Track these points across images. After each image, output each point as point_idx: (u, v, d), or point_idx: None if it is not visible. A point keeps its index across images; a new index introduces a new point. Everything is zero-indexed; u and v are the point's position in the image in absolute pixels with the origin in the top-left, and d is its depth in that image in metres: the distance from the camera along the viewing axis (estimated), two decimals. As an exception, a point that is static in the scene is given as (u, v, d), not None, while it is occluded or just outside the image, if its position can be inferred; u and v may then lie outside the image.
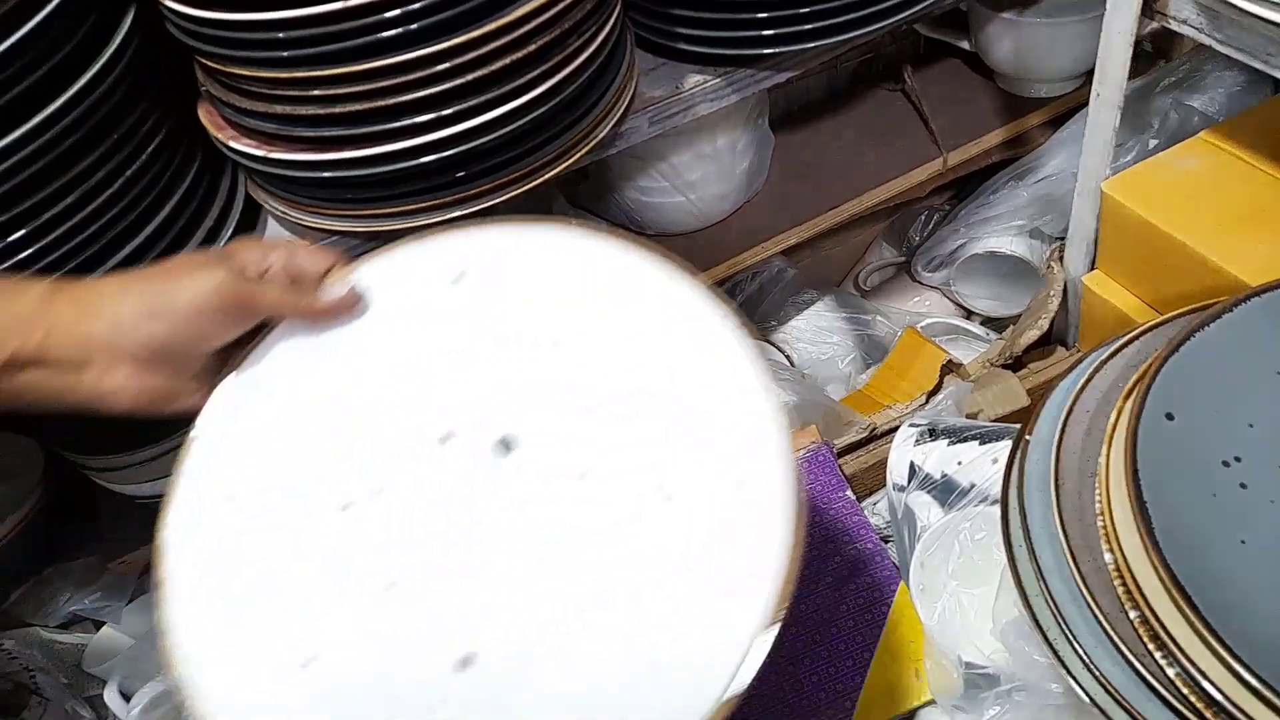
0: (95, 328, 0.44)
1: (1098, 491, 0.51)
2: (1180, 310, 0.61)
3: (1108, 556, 0.48)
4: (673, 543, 0.43)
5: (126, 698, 0.78)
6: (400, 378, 0.49)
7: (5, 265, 0.60)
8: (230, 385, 0.48)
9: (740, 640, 0.39)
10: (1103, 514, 0.49)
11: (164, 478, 0.85)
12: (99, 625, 0.90)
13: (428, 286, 0.50)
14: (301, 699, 0.43)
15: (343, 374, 0.49)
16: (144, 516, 0.93)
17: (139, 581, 0.95)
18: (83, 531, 0.94)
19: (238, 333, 0.47)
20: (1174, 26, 0.68)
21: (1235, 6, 0.62)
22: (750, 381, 0.45)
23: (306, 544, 0.46)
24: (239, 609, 0.45)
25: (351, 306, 0.49)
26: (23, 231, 0.58)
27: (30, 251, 0.59)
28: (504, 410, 0.48)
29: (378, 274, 0.50)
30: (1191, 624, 0.43)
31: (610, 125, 0.74)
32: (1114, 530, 0.48)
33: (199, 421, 0.48)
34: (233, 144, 0.65)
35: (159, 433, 0.84)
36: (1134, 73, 0.74)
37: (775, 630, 0.39)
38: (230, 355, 0.49)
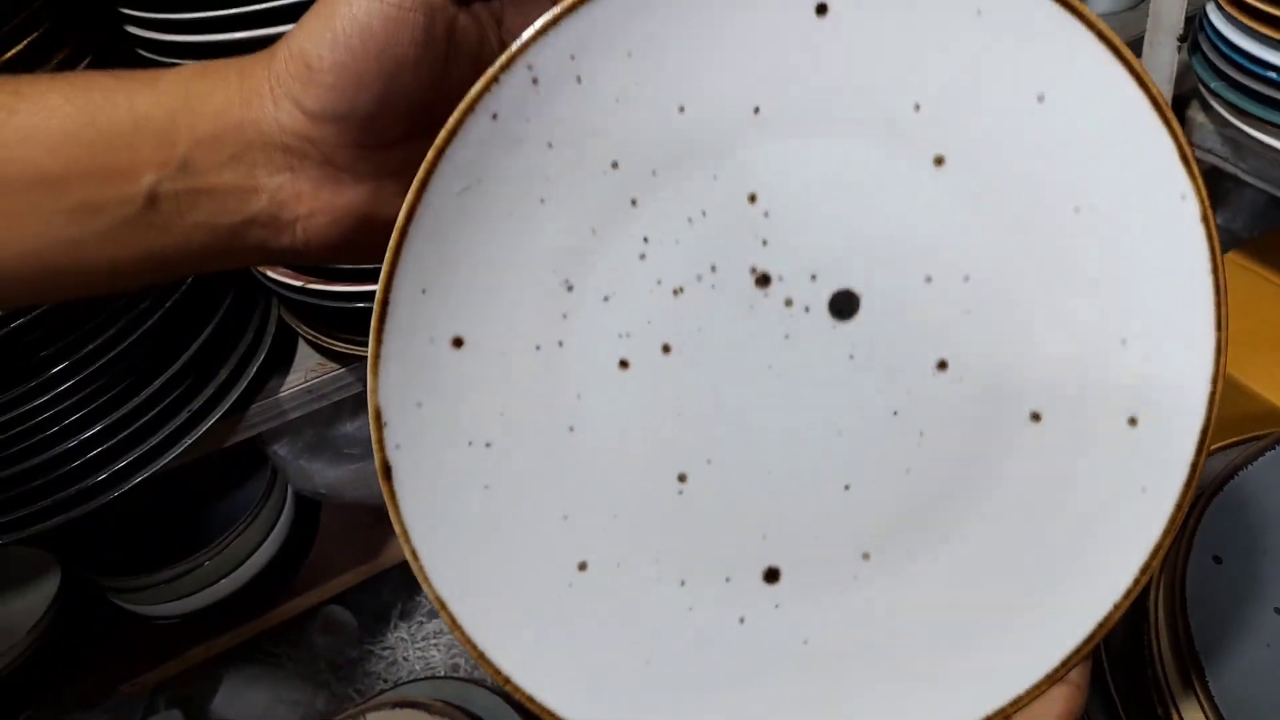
0: (255, 111, 0.29)
1: (1148, 639, 0.49)
2: (1221, 443, 0.60)
3: (1159, 711, 0.46)
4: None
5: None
6: (697, 162, 0.31)
7: (36, 412, 0.60)
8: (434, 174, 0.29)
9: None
10: (1153, 664, 0.48)
11: (181, 599, 0.85)
12: (108, 749, 0.88)
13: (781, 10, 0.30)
14: (572, 611, 0.33)
15: (604, 149, 0.30)
16: (158, 637, 0.92)
17: (149, 701, 0.93)
18: (94, 650, 0.92)
19: (437, 51, 0.29)
20: (1199, 155, 0.69)
21: (1256, 140, 0.63)
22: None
23: (573, 412, 0.33)
24: (492, 503, 0.33)
25: None
26: (64, 364, 0.59)
27: (66, 386, 0.59)
28: (853, 249, 0.32)
29: None
30: (1254, 790, 0.41)
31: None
32: (1166, 682, 0.47)
33: (411, 225, 0.29)
34: (269, 273, 0.66)
35: (178, 554, 0.83)
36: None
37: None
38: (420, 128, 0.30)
